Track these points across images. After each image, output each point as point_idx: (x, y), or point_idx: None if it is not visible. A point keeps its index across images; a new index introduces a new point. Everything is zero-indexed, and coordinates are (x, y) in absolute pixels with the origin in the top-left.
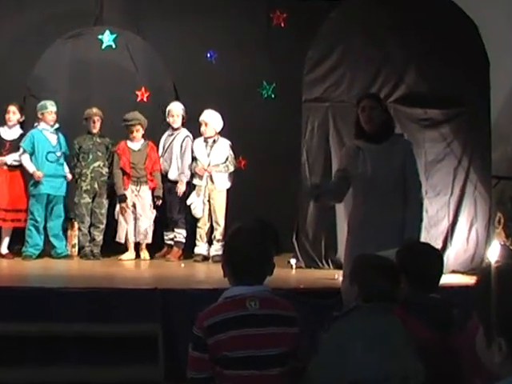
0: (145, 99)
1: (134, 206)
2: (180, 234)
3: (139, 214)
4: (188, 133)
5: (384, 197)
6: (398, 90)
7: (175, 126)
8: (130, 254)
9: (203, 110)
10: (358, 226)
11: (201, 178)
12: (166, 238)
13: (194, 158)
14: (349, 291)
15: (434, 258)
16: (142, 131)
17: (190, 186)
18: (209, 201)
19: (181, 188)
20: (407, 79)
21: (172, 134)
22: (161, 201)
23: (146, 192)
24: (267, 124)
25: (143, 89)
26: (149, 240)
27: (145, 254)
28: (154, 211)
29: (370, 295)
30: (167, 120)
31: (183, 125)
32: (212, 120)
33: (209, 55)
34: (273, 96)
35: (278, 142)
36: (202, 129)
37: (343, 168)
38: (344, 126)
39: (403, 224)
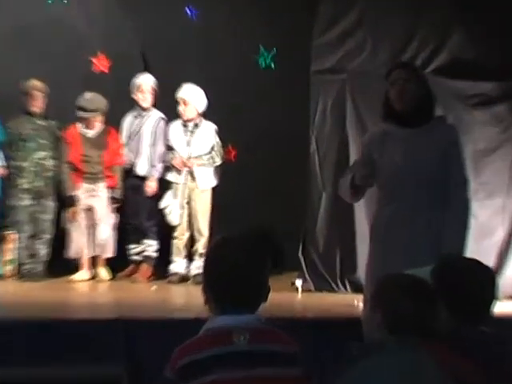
0: (103, 69)
1: (88, 210)
2: (150, 247)
3: (96, 221)
4: (161, 114)
5: (417, 196)
6: (437, 57)
7: (144, 104)
8: (85, 272)
9: (181, 84)
10: (382, 235)
11: (178, 173)
12: (131, 252)
13: (168, 148)
14: (370, 320)
15: (483, 278)
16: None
17: (164, 184)
18: (188, 203)
19: (151, 186)
20: (450, 43)
21: (140, 116)
22: (118, 204)
23: (103, 192)
24: (265, 102)
25: (101, 56)
26: (109, 253)
27: (103, 272)
28: (114, 216)
29: (398, 325)
30: (133, 97)
31: (154, 104)
32: (193, 97)
33: (188, 12)
34: (272, 66)
35: (279, 127)
36: (181, 109)
37: (365, 159)
38: (366, 105)
39: (443, 233)
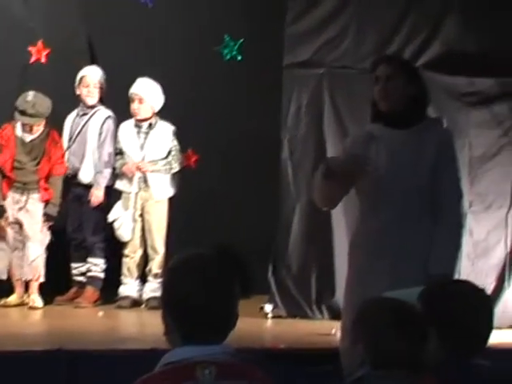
0: (42, 59)
1: (18, 224)
2: (96, 266)
3: (24, 239)
4: (110, 112)
5: (404, 209)
6: (429, 48)
7: (90, 101)
8: (18, 296)
9: (134, 78)
10: (364, 252)
11: (130, 180)
12: (74, 272)
13: (118, 151)
14: (351, 353)
15: (478, 304)
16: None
17: (113, 193)
18: (142, 216)
19: (97, 195)
20: (444, 32)
21: (85, 114)
22: (51, 223)
23: (36, 205)
24: (230, 100)
25: (40, 44)
26: (40, 277)
27: (36, 299)
28: (48, 233)
29: (382, 359)
30: (78, 93)
31: (102, 100)
32: (149, 94)
33: None
34: (239, 58)
35: (247, 128)
36: (134, 107)
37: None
38: (347, 103)
39: (432, 251)
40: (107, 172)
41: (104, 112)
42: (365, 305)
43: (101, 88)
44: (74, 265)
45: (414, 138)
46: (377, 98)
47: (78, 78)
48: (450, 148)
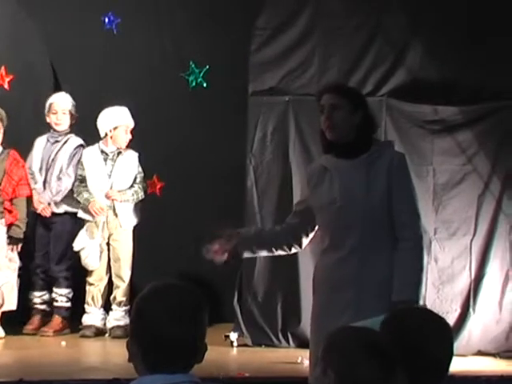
0: (5, 85)
1: None
2: (62, 297)
3: None
4: (81, 141)
5: (362, 238)
6: (394, 75)
7: (59, 128)
8: None
9: (97, 104)
10: (325, 286)
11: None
12: (36, 300)
13: (81, 178)
14: (321, 382)
15: (435, 331)
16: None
17: (78, 220)
18: (108, 244)
19: (37, 205)
20: (409, 60)
21: (57, 142)
22: (20, 245)
23: (0, 229)
24: (196, 127)
25: (3, 70)
26: (9, 306)
27: None
28: (17, 259)
29: None
30: (47, 120)
31: (71, 128)
32: (132, 123)
33: (107, 21)
34: (204, 85)
35: (213, 156)
36: (127, 137)
37: (302, 199)
38: (313, 131)
39: (393, 278)
40: (59, 193)
41: (75, 140)
42: (334, 333)
43: (71, 114)
44: (36, 293)
45: (365, 167)
46: (323, 128)
47: (47, 104)
48: (402, 169)
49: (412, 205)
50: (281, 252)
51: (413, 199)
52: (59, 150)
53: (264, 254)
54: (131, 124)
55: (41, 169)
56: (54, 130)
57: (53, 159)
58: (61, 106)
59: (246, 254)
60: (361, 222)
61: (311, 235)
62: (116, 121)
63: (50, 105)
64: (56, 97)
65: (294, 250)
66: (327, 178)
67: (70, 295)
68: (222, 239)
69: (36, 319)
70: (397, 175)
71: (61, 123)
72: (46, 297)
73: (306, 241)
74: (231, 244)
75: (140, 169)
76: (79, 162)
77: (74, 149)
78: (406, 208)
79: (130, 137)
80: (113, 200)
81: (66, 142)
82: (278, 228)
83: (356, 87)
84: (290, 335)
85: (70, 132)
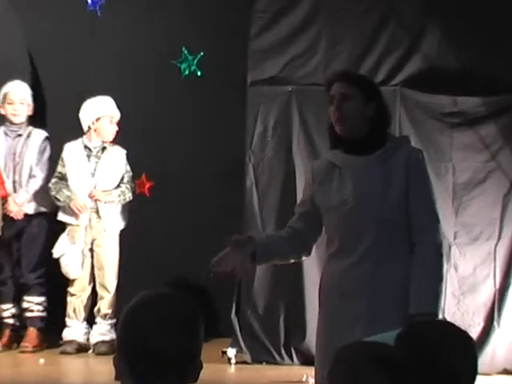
0: None
1: None
2: (38, 305)
3: None
4: (45, 133)
5: (376, 242)
6: (408, 64)
7: (16, 120)
8: None
9: (80, 95)
10: (335, 294)
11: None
12: (7, 313)
13: (60, 176)
14: None
15: (459, 347)
16: None
17: (57, 224)
18: (92, 250)
19: (12, 207)
20: (425, 46)
21: (19, 136)
22: None
23: None
24: (189, 120)
25: None
26: None
27: None
28: None
29: None
30: (2, 111)
31: (30, 120)
32: (117, 113)
33: (90, 1)
34: (198, 73)
35: (208, 152)
36: (113, 129)
37: (305, 199)
38: (318, 124)
39: (410, 289)
40: (31, 192)
41: (39, 133)
42: (343, 350)
43: (28, 105)
44: (5, 306)
45: (380, 164)
46: (332, 121)
47: (1, 94)
48: (420, 168)
49: (431, 206)
50: (290, 261)
51: (432, 200)
52: (24, 145)
53: (274, 262)
54: (116, 114)
55: (5, 166)
56: (11, 122)
57: (19, 155)
58: (17, 95)
59: (261, 263)
60: (375, 224)
61: (319, 239)
62: (98, 111)
63: (5, 94)
64: (11, 86)
65: (303, 258)
66: (336, 176)
67: (45, 304)
68: (233, 247)
69: (6, 334)
70: (414, 173)
71: (18, 114)
72: (16, 310)
73: (313, 246)
74: (245, 252)
75: (128, 167)
76: (51, 157)
77: (42, 143)
78: (425, 209)
79: (116, 128)
80: (96, 201)
81: (28, 135)
82: (285, 234)
83: (368, 76)
84: (293, 351)
85: (30, 124)
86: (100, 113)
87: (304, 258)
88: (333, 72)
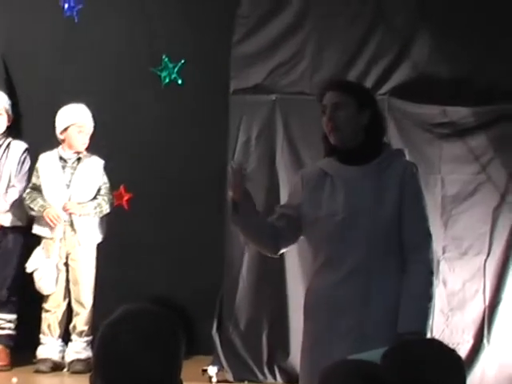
0: None
1: None
2: (10, 323)
3: None
4: (25, 144)
5: (368, 256)
6: (397, 71)
7: None
8: None
9: (56, 103)
10: (322, 310)
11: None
12: None
13: (34, 187)
14: None
15: (446, 366)
16: None
17: (31, 238)
18: (66, 264)
19: None
20: (415, 54)
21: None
22: None
23: None
24: (169, 130)
25: None
26: None
27: None
28: None
29: None
30: None
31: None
32: (90, 123)
33: (66, 7)
34: (179, 82)
35: (189, 162)
36: (84, 140)
37: (291, 204)
38: (303, 134)
39: (401, 306)
40: (9, 201)
41: (18, 144)
42: (330, 368)
43: (7, 115)
44: None
45: (374, 175)
46: (326, 131)
47: None
48: (415, 185)
49: (424, 224)
50: (261, 244)
51: (425, 218)
52: (2, 156)
53: (248, 231)
54: (86, 123)
55: None
56: None
57: None
58: None
59: (240, 217)
60: (366, 237)
61: (291, 247)
62: (66, 121)
63: None
64: None
65: (268, 252)
66: (327, 185)
67: (16, 322)
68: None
69: None
70: (409, 190)
71: None
72: None
73: (283, 250)
74: (242, 185)
75: (105, 178)
76: (30, 168)
77: (22, 154)
78: (417, 227)
79: (86, 139)
80: (71, 213)
81: (7, 146)
82: (271, 220)
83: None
84: (277, 369)
85: (9, 135)
86: (67, 122)
87: (268, 254)
88: (325, 81)
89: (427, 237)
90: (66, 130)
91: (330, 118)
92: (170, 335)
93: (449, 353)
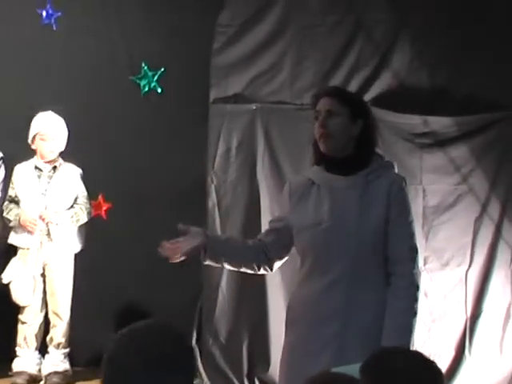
0: None
1: None
2: None
3: None
4: (0, 153)
5: (353, 266)
6: (377, 80)
7: None
8: None
9: (32, 112)
10: (304, 318)
11: (29, 233)
12: None
13: (11, 199)
14: None
15: (424, 378)
16: None
17: (8, 249)
18: (43, 275)
19: None
20: (395, 62)
21: None
22: None
23: None
24: (148, 139)
25: None
26: None
27: None
28: None
29: None
30: None
31: None
32: (57, 131)
33: (45, 15)
34: (159, 90)
35: (168, 173)
36: (50, 148)
37: (280, 217)
38: (285, 144)
39: (385, 321)
40: None
41: None
42: (310, 381)
43: None
44: None
45: (361, 186)
46: (317, 138)
47: None
48: (403, 198)
49: (411, 240)
50: (248, 270)
51: (412, 234)
52: None
53: (228, 267)
54: (49, 131)
55: None
56: None
57: None
58: None
59: (209, 261)
60: (351, 248)
61: (285, 259)
62: (32, 130)
63: None
64: None
65: (262, 272)
66: (313, 194)
67: None
68: (185, 236)
69: None
70: (396, 205)
71: None
72: None
73: (278, 264)
74: (195, 243)
75: (82, 187)
76: (6, 178)
77: None
78: (404, 243)
79: (53, 146)
80: (47, 223)
81: None
82: (250, 242)
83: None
84: (257, 381)
85: None
86: (33, 131)
87: (264, 272)
88: (321, 87)
89: (413, 252)
90: (34, 139)
91: (322, 124)
92: (183, 357)
93: (428, 364)
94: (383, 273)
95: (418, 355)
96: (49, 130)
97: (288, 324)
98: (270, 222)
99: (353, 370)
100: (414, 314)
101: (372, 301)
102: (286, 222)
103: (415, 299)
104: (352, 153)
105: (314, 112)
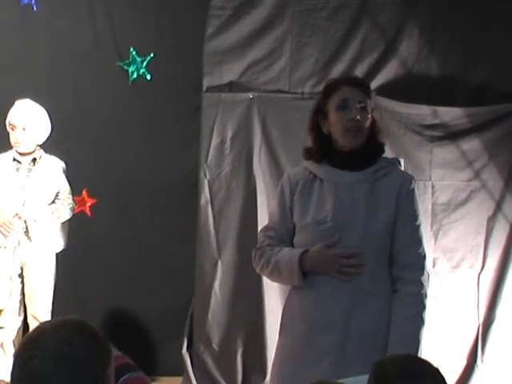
0: None
1: None
2: None
3: None
4: None
5: (355, 273)
6: (384, 68)
7: None
8: None
9: (12, 100)
10: (302, 324)
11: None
12: None
13: None
14: None
15: None
16: None
17: None
18: (21, 276)
19: None
20: (403, 49)
21: None
22: None
23: None
24: (137, 130)
25: None
26: None
27: None
28: None
29: None
30: None
31: None
32: (33, 120)
33: None
34: (148, 77)
35: (158, 167)
36: (17, 136)
37: (280, 218)
38: (283, 136)
39: (391, 328)
40: None
41: None
42: None
43: None
44: None
45: (368, 184)
46: (339, 130)
47: None
48: (411, 200)
49: (419, 245)
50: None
51: (420, 238)
52: None
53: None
54: (17, 119)
55: None
56: None
57: None
58: None
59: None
60: (355, 249)
61: None
62: (7, 119)
63: None
64: None
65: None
66: (316, 190)
67: None
68: None
69: None
70: (406, 208)
71: None
72: None
73: None
74: None
75: (65, 181)
76: None
77: None
78: (412, 248)
79: (20, 136)
80: (25, 221)
81: None
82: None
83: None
84: None
85: None
86: (7, 119)
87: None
88: (345, 74)
89: (421, 257)
90: (6, 127)
91: (357, 116)
92: (92, 357)
93: (435, 374)
94: (388, 279)
95: (423, 362)
96: (19, 118)
97: (283, 330)
98: (269, 231)
99: (359, 381)
100: (422, 322)
101: (375, 308)
102: (289, 221)
103: (423, 307)
104: (364, 147)
105: (334, 100)
